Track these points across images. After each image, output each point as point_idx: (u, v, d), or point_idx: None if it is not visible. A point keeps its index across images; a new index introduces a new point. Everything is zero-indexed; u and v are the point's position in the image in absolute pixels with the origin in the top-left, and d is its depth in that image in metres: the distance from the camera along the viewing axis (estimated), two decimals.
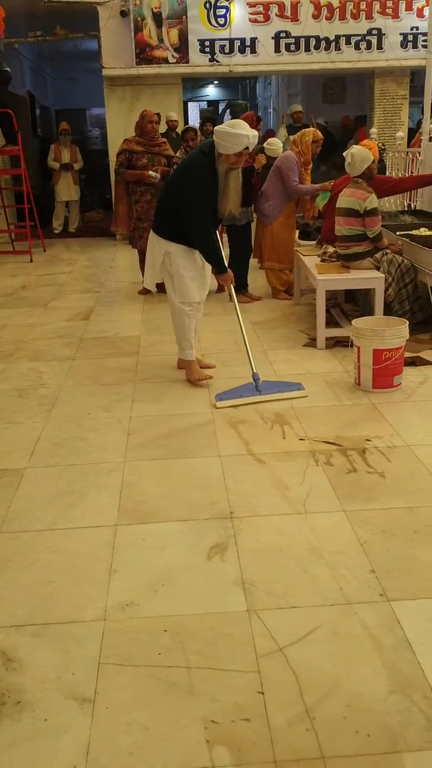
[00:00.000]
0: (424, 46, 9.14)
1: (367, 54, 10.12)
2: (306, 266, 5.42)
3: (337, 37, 10.02)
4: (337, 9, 9.91)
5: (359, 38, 10.05)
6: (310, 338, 5.07)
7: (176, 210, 4.01)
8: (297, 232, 6.67)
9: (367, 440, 3.40)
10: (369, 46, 10.10)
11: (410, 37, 10.10)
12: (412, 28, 10.07)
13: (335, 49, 10.07)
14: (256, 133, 3.84)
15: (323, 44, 10.05)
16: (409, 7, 9.99)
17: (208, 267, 4.24)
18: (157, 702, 1.85)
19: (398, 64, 10.21)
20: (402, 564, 2.41)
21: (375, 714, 1.80)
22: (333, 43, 10.05)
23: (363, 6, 9.94)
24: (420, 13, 9.91)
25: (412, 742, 1.71)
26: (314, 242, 6.21)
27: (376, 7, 9.95)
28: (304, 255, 5.72)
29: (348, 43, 10.05)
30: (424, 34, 9.07)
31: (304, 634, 2.08)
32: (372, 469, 3.11)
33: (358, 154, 5.08)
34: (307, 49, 10.04)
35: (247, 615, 2.17)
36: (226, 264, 4.28)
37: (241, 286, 6.34)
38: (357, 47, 10.08)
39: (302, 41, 10.01)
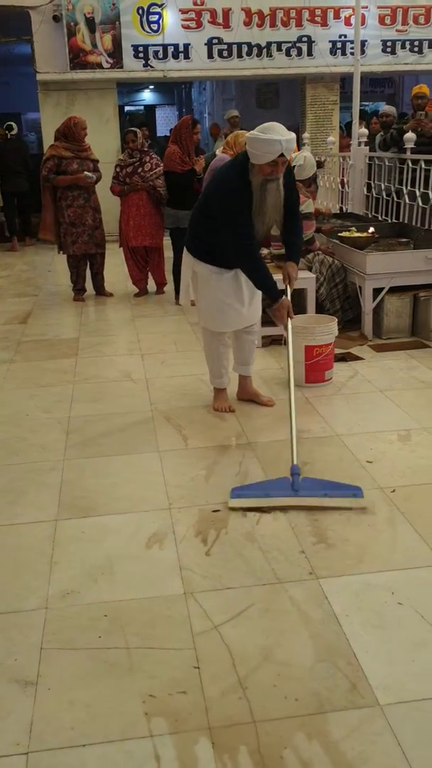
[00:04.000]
0: (353, 53, 9.41)
1: (297, 60, 10.38)
2: None
3: (269, 44, 10.25)
4: (268, 16, 10.14)
5: (290, 45, 10.29)
6: None
7: (205, 227, 3.54)
8: None
9: (300, 431, 3.54)
10: (300, 52, 10.36)
11: (339, 45, 10.41)
12: (340, 36, 10.37)
13: (267, 56, 10.29)
14: (292, 136, 3.24)
15: (255, 51, 10.25)
16: (337, 16, 10.29)
17: (253, 292, 3.70)
18: (98, 681, 1.93)
19: (328, 71, 10.50)
20: (329, 544, 2.55)
21: (303, 681, 1.93)
22: (265, 50, 10.26)
23: (293, 14, 10.19)
24: (347, 22, 10.22)
25: (337, 703, 1.85)
26: None
27: (306, 15, 10.22)
28: None
29: (279, 49, 10.29)
30: (352, 42, 9.34)
31: (238, 612, 2.20)
32: (303, 458, 3.25)
33: (309, 160, 5.28)
34: (240, 56, 10.23)
35: (183, 597, 2.27)
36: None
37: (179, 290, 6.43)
38: (288, 54, 10.33)
39: (234, 47, 10.19)
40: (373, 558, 2.47)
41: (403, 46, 10.55)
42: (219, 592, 2.30)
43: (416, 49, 10.58)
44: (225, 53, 10.21)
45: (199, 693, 1.89)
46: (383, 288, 5.05)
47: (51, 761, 1.69)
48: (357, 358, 4.74)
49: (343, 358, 4.67)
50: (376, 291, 5.07)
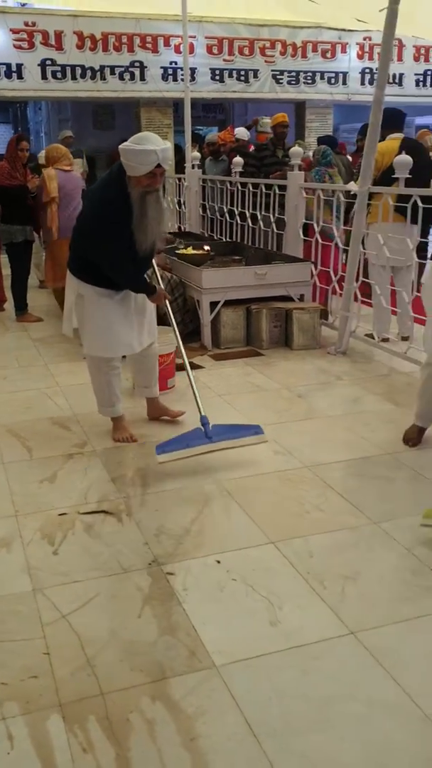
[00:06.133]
0: (183, 80, 9.86)
1: (131, 84, 10.70)
2: None
3: (102, 67, 10.49)
4: (100, 41, 10.39)
5: (123, 69, 10.59)
6: None
7: (87, 245, 3.42)
8: None
9: (143, 436, 3.73)
10: (132, 77, 10.69)
11: (170, 71, 10.85)
12: (171, 63, 10.82)
13: (101, 79, 10.52)
14: (167, 146, 3.20)
15: (89, 73, 10.45)
16: (167, 44, 10.74)
17: (147, 315, 3.70)
18: None
19: (161, 95, 10.91)
20: (171, 534, 2.75)
21: (147, 654, 2.10)
22: (98, 73, 10.49)
23: (124, 39, 10.51)
24: (177, 49, 10.68)
25: (178, 669, 2.04)
26: None
27: (137, 41, 10.57)
28: None
29: (112, 73, 10.57)
30: (183, 69, 9.79)
31: (86, 602, 2.34)
32: (147, 459, 3.44)
33: None
34: (74, 77, 10.39)
35: (32, 594, 2.38)
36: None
37: (22, 307, 6.45)
38: (121, 78, 10.62)
39: (68, 69, 10.34)
40: (211, 543, 2.70)
41: (230, 75, 11.18)
42: (66, 586, 2.42)
43: (243, 78, 11.24)
44: (59, 74, 10.32)
45: (50, 676, 2.01)
46: (219, 301, 5.37)
47: None
48: (198, 366, 5.00)
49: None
50: (213, 304, 5.38)
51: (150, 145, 3.13)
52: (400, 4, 4.31)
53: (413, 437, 3.59)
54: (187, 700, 1.92)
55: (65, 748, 1.76)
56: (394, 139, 5.09)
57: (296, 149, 6.01)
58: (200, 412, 3.42)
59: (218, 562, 2.57)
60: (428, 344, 3.50)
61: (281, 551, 2.63)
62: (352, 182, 5.08)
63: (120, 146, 3.22)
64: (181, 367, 4.82)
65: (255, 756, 1.74)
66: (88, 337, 3.59)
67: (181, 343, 3.92)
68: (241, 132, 8.39)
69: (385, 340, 5.17)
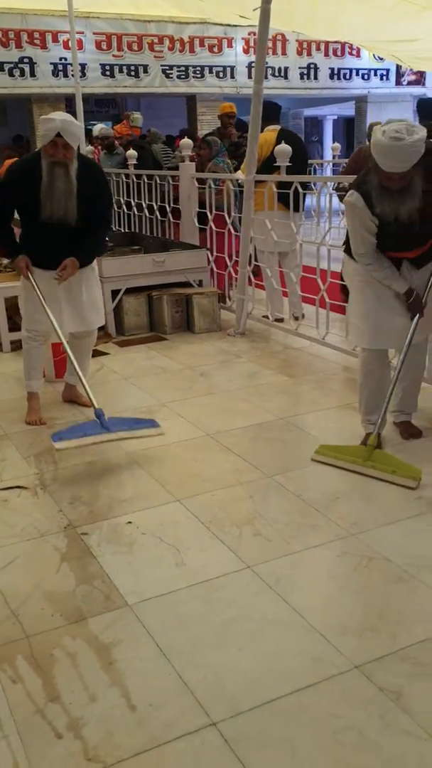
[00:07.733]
0: (73, 76, 9.94)
1: (21, 81, 10.68)
2: None
3: None
4: None
5: (12, 65, 10.55)
6: None
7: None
8: None
9: (54, 419, 3.92)
10: (23, 73, 10.66)
11: (60, 67, 10.88)
12: (61, 59, 10.85)
13: None
14: (72, 120, 3.52)
15: None
16: (55, 39, 10.76)
17: (82, 302, 3.86)
18: None
19: (52, 92, 10.93)
20: (84, 502, 2.97)
21: (66, 601, 2.32)
22: None
23: (11, 35, 10.47)
24: (66, 45, 10.72)
25: (95, 610, 2.27)
26: None
27: (24, 37, 10.54)
28: None
29: (2, 69, 10.50)
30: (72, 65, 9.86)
31: (6, 564, 2.53)
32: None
33: None
34: None
35: None
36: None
37: None
38: (11, 74, 10.58)
39: None
40: (121, 506, 2.94)
41: (121, 70, 11.32)
42: None
43: (133, 73, 11.41)
44: None
45: None
46: (120, 289, 5.57)
47: None
48: (103, 353, 5.20)
49: None
50: (115, 293, 5.58)
51: (55, 116, 3.54)
52: (278, 2, 4.63)
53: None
54: (105, 634, 2.16)
55: None
56: (272, 131, 5.43)
57: (186, 141, 6.28)
58: (93, 406, 3.45)
59: (130, 522, 2.81)
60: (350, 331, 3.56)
61: (186, 507, 2.90)
62: (239, 171, 5.39)
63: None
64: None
65: (166, 670, 2.01)
66: (21, 308, 3.95)
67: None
68: (104, 129, 8.44)
69: (280, 320, 5.53)
